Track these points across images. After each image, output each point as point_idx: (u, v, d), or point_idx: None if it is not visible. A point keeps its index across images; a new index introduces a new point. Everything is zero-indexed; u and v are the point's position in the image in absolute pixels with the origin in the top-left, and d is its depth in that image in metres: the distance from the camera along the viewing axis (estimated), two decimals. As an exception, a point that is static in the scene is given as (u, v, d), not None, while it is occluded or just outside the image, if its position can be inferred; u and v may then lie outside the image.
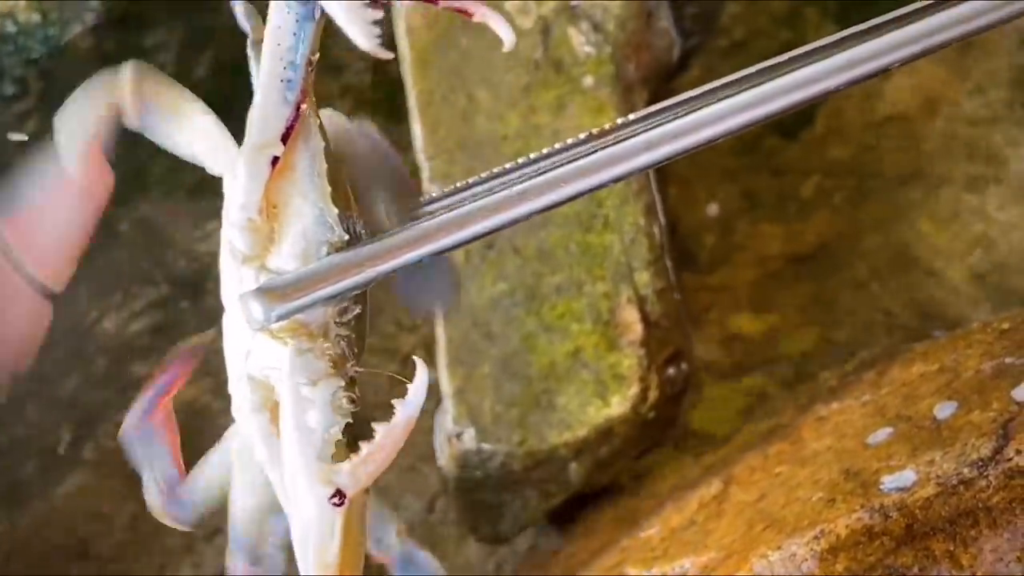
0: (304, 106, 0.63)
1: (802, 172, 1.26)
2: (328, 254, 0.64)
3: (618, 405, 1.01)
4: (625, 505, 1.07)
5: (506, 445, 1.03)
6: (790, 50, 0.62)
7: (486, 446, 1.03)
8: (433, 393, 1.14)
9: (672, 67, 1.22)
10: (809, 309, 1.20)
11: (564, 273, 1.05)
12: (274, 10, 0.62)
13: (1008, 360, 0.86)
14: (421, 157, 1.14)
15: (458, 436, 1.05)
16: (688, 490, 1.01)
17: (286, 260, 0.65)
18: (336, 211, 0.65)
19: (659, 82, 1.19)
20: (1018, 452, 0.72)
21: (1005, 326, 0.93)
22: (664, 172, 1.23)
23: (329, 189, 0.64)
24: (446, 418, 1.06)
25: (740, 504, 0.91)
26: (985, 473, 0.72)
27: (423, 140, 1.13)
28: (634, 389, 1.01)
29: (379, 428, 0.62)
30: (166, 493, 0.76)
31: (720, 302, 1.21)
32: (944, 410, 0.83)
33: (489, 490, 1.07)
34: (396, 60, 1.14)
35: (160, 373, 0.80)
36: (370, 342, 1.32)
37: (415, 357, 0.64)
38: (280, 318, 0.63)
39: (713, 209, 1.25)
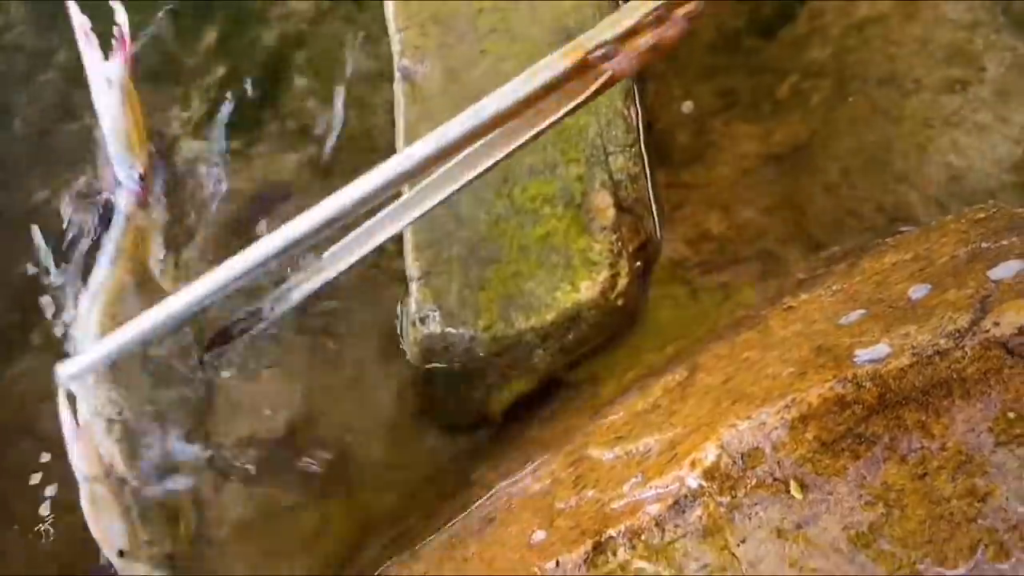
0: None
1: (780, 72, 1.23)
2: None
3: (587, 290, 0.99)
4: (589, 392, 1.05)
5: (472, 329, 1.01)
6: None
7: (451, 330, 1.01)
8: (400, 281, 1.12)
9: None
10: (780, 209, 1.18)
11: (537, 154, 1.02)
12: None
13: (984, 245, 0.85)
14: (392, 27, 1.09)
15: (422, 320, 1.02)
16: (652, 378, 1.00)
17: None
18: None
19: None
20: (995, 324, 0.72)
21: (980, 215, 0.92)
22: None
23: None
24: (410, 302, 1.04)
25: (706, 387, 0.90)
26: (961, 344, 0.72)
27: (394, 10, 1.08)
28: (604, 274, 0.99)
29: None
30: None
31: (692, 199, 1.19)
32: (918, 291, 0.82)
33: (452, 376, 1.05)
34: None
35: None
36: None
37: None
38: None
39: (688, 106, 1.22)
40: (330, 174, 1.24)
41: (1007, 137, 1.13)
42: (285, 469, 1.16)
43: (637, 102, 1.08)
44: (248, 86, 1.37)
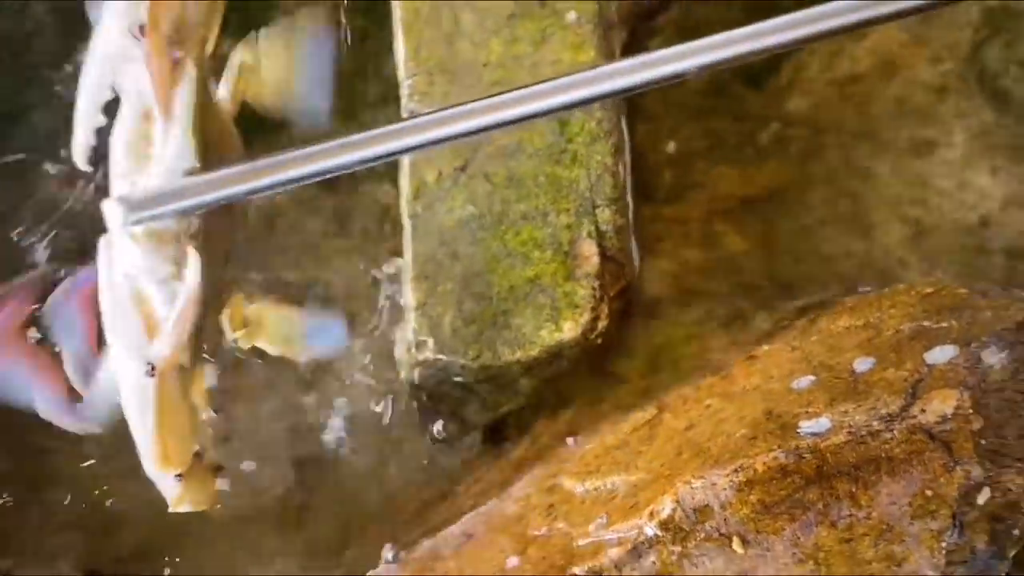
0: (180, 55, 0.81)
1: (763, 119, 1.31)
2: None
3: (570, 330, 1.08)
4: (566, 421, 1.15)
5: (462, 358, 1.10)
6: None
7: (443, 357, 1.10)
8: (396, 308, 1.21)
9: (652, 7, 1.25)
10: (754, 251, 1.27)
11: (531, 202, 1.11)
12: None
13: (926, 323, 0.95)
14: (402, 74, 1.17)
15: (418, 346, 1.11)
16: (624, 412, 1.10)
17: (151, 179, 0.82)
18: (193, 143, 0.82)
19: (638, 21, 1.22)
20: (922, 411, 0.82)
21: (927, 290, 1.02)
22: (635, 108, 1.28)
23: (190, 124, 0.81)
24: (408, 329, 1.13)
25: (670, 431, 1.00)
26: (891, 427, 0.82)
27: (405, 57, 1.16)
28: (586, 317, 1.09)
29: (170, 311, 0.82)
30: (81, 375, 0.90)
31: (672, 235, 1.28)
32: (863, 365, 0.92)
33: (443, 397, 1.14)
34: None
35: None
36: (349, 244, 1.36)
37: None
38: (134, 223, 0.80)
39: (672, 147, 1.31)
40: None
41: (965, 203, 1.22)
42: (279, 461, 1.27)
43: (627, 156, 1.16)
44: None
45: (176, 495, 0.89)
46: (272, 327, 1.00)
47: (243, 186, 0.79)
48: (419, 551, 1.07)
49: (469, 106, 0.76)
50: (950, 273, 1.18)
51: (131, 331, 0.85)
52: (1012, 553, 0.80)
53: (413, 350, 1.12)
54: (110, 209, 0.80)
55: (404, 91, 1.14)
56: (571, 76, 0.77)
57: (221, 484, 0.97)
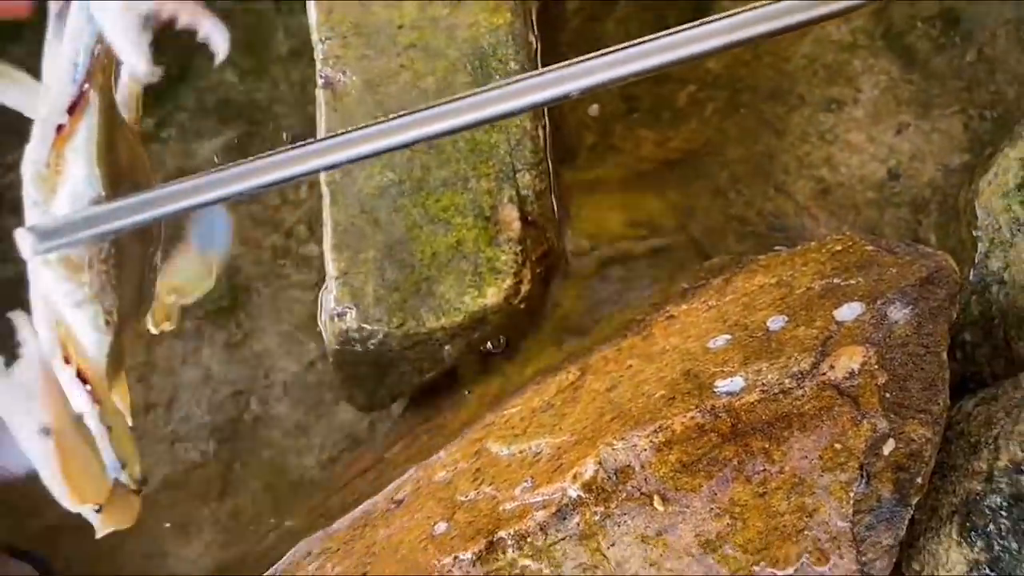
0: (87, 86, 0.80)
1: (681, 81, 1.33)
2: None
3: (493, 296, 1.09)
4: (492, 384, 1.17)
5: (385, 326, 1.10)
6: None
7: (367, 326, 1.10)
8: (318, 272, 1.20)
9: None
10: (672, 211, 1.29)
11: (451, 167, 1.10)
12: (74, 9, 0.79)
13: (836, 281, 0.98)
14: (315, 37, 1.14)
15: (340, 315, 1.11)
16: (549, 375, 1.12)
17: (61, 207, 0.83)
18: (98, 172, 0.82)
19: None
20: (831, 368, 0.85)
21: (837, 247, 1.05)
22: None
23: (94, 153, 0.82)
24: (329, 297, 1.12)
25: (593, 392, 1.02)
26: (802, 384, 0.85)
27: (318, 20, 1.13)
28: (508, 282, 1.09)
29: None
30: None
31: (592, 198, 1.29)
32: (776, 323, 0.95)
33: (367, 364, 1.15)
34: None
35: None
36: (253, 210, 1.35)
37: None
38: (45, 252, 0.82)
39: (594, 110, 1.31)
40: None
41: (874, 157, 1.26)
42: (202, 430, 1.26)
43: (546, 120, 1.17)
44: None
45: (99, 524, 0.89)
46: (186, 284, 1.02)
47: (152, 212, 0.81)
48: (349, 519, 1.08)
49: (377, 127, 0.76)
50: (858, 228, 1.22)
51: (25, 392, 0.85)
52: (915, 500, 0.84)
53: (336, 319, 1.11)
54: (21, 238, 0.81)
55: (318, 55, 1.12)
56: (490, 91, 0.76)
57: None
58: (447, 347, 1.13)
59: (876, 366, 0.85)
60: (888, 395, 0.85)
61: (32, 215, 0.84)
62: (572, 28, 1.32)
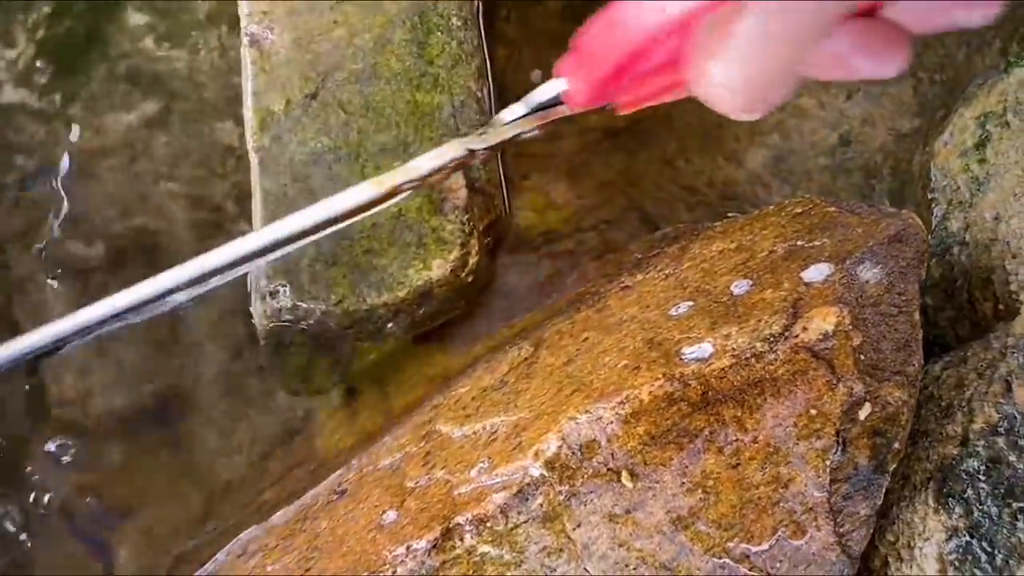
0: None
1: (625, 46, 1.28)
2: None
3: (439, 268, 1.02)
4: (438, 364, 1.10)
5: (323, 304, 1.02)
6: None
7: (302, 304, 1.02)
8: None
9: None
10: (620, 181, 1.24)
11: (390, 132, 1.03)
12: None
13: (799, 243, 0.93)
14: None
15: (272, 294, 1.03)
16: (499, 352, 1.05)
17: None
18: None
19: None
20: (804, 329, 0.80)
21: (798, 210, 1.01)
22: (493, 33, 1.21)
23: None
24: (259, 275, 1.04)
25: (549, 367, 0.96)
26: (775, 348, 0.80)
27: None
28: (455, 253, 1.03)
29: None
30: None
31: (538, 169, 1.23)
32: (740, 287, 0.90)
33: (303, 346, 1.06)
34: None
35: None
36: (174, 187, 1.25)
37: None
38: None
39: (536, 75, 1.25)
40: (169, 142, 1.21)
41: (825, 122, 1.22)
42: (136, 428, 1.16)
43: (490, 82, 1.10)
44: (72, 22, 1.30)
45: None
46: None
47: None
48: (287, 512, 1.00)
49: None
50: (812, 194, 1.18)
51: None
52: (892, 468, 0.80)
53: (268, 298, 1.03)
54: None
55: (243, 11, 1.04)
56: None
57: None
58: (390, 324, 1.05)
59: (850, 327, 0.80)
60: (863, 357, 0.81)
61: None
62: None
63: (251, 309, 1.09)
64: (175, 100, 1.26)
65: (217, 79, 1.26)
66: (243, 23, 1.04)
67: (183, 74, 1.27)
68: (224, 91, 1.24)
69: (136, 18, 1.30)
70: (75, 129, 1.23)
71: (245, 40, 1.04)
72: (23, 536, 1.09)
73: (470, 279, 1.05)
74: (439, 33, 1.03)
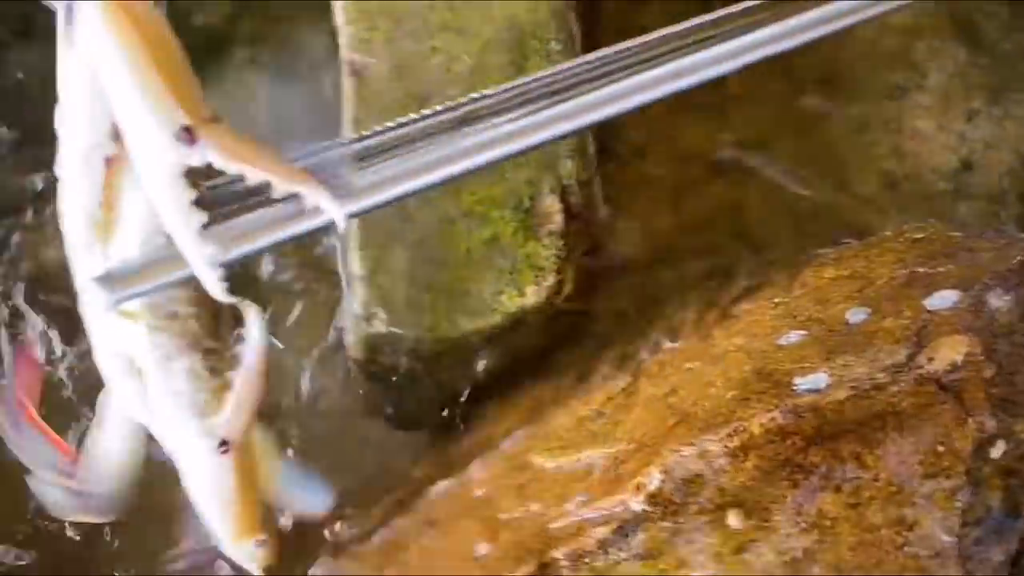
0: None
1: (727, 69, 1.24)
2: (167, 240, 0.67)
3: (533, 295, 1.00)
4: (532, 394, 1.06)
5: (416, 330, 1.01)
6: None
7: (396, 330, 1.01)
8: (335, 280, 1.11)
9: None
10: (723, 209, 1.20)
11: (486, 157, 1.01)
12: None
13: (920, 269, 0.87)
14: (339, 19, 1.06)
15: (367, 320, 1.01)
16: (596, 382, 1.01)
17: (128, 247, 0.69)
18: None
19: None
20: (929, 360, 0.75)
21: (918, 235, 0.95)
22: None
23: None
24: (354, 301, 1.03)
25: (650, 397, 0.92)
26: (897, 379, 0.74)
27: (342, 1, 1.05)
28: (550, 280, 1.00)
29: (235, 377, 0.72)
30: (66, 478, 0.82)
31: (639, 190, 1.20)
32: (856, 316, 0.85)
33: (398, 374, 1.05)
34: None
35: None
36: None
37: (244, 302, 0.71)
38: (122, 302, 0.69)
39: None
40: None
41: (944, 145, 1.16)
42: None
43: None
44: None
45: (260, 560, 0.80)
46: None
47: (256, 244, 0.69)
48: (376, 542, 0.98)
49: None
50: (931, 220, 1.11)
51: (181, 411, 0.74)
52: (1030, 511, 0.73)
53: (362, 324, 1.02)
54: (92, 290, 0.69)
55: (342, 39, 1.04)
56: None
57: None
58: (482, 352, 1.03)
59: (981, 357, 0.74)
60: (995, 390, 0.74)
61: (89, 263, 0.70)
62: (612, 8, 1.23)
63: (344, 338, 1.08)
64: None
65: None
66: (342, 52, 1.04)
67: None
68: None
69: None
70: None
71: (345, 69, 1.04)
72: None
73: (565, 306, 1.02)
74: (537, 58, 1.01)
